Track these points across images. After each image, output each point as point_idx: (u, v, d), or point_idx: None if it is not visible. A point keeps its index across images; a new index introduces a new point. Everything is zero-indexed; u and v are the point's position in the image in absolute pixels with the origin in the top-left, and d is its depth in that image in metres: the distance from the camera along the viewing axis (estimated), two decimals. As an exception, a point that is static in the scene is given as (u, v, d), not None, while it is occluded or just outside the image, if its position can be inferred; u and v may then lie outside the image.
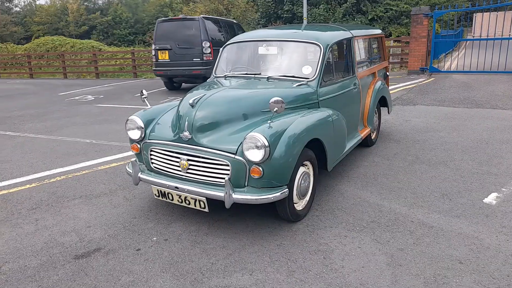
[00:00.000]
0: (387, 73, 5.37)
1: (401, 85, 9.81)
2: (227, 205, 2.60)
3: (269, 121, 2.69)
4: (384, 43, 5.28)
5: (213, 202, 2.82)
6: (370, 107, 4.47)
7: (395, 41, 15.08)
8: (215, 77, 3.84)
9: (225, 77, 3.71)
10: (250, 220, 3.07)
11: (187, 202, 2.82)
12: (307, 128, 2.87)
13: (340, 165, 4.23)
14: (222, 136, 2.77)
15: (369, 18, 21.61)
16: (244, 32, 11.33)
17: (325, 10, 21.43)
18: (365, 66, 4.54)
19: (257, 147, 2.53)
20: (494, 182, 3.67)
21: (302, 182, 2.97)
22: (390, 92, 8.06)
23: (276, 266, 2.48)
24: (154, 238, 2.87)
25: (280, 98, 2.65)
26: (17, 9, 38.34)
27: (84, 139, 5.81)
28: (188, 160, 2.82)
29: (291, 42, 3.66)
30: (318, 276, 2.36)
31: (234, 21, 11.34)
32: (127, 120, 3.17)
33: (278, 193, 2.64)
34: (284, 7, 22.78)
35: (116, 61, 17.85)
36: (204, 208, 2.76)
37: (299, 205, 3.05)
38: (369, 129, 4.47)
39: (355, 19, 21.29)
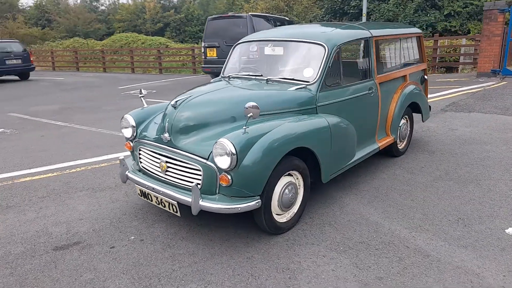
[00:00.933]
0: (425, 77, 4.85)
1: (463, 88, 8.87)
2: (194, 211, 2.52)
3: (244, 127, 2.55)
4: (423, 43, 4.77)
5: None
6: (394, 114, 4.06)
7: (470, 39, 13.70)
8: (222, 77, 3.76)
9: (229, 77, 3.62)
10: (232, 228, 2.95)
11: (162, 204, 2.79)
12: (289, 135, 2.67)
13: (353, 175, 3.92)
14: (200, 139, 2.68)
15: (444, 13, 19.89)
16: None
17: (395, 6, 20.19)
18: (391, 68, 4.14)
19: (226, 154, 2.41)
20: (529, 209, 3.13)
21: (286, 193, 2.77)
22: (449, 96, 7.35)
23: (235, 280, 2.35)
24: (132, 237, 2.88)
25: (255, 103, 2.49)
26: (103, 7, 41.79)
27: (119, 133, 6.11)
28: (167, 162, 2.79)
29: (296, 42, 3.44)
30: (273, 298, 2.19)
31: (286, 18, 11.14)
32: (122, 118, 3.22)
33: (249, 204, 2.49)
34: (351, 2, 21.92)
35: (180, 57, 18.61)
36: (176, 212, 2.71)
37: (283, 217, 2.86)
38: (392, 138, 4.07)
39: (428, 15, 19.77)
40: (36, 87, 12.92)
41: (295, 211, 2.95)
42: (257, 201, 2.52)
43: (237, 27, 9.44)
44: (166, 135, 2.77)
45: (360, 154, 3.57)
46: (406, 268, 2.43)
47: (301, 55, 3.41)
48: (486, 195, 3.44)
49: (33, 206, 3.49)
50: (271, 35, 3.71)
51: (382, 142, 3.94)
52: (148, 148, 2.96)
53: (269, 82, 3.28)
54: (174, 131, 2.74)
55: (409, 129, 4.60)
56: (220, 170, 2.48)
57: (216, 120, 2.76)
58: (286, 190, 2.78)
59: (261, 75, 3.42)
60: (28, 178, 4.18)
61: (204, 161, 2.55)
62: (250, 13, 9.84)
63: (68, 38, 27.38)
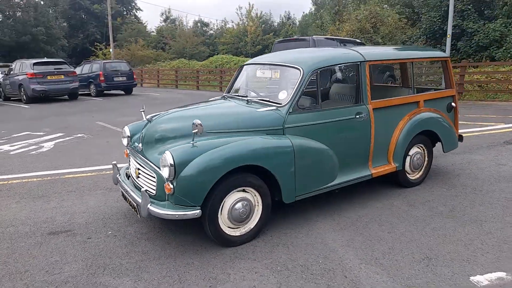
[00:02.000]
0: (453, 104, 4.44)
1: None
2: (142, 214, 2.83)
3: (191, 142, 2.80)
4: (449, 68, 4.41)
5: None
6: (398, 142, 3.85)
7: None
8: (222, 96, 4.05)
9: (223, 97, 3.89)
10: (193, 236, 3.17)
11: (131, 206, 3.17)
12: (237, 153, 2.83)
13: (343, 200, 3.81)
14: (162, 151, 2.99)
15: None
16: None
17: (503, 25, 18.14)
18: (395, 94, 3.95)
19: (167, 165, 2.68)
20: (518, 259, 2.71)
21: (236, 208, 2.91)
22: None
23: (163, 281, 2.57)
24: (109, 232, 3.31)
25: (199, 121, 2.74)
26: (211, 32, 45.69)
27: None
28: (138, 168, 3.17)
29: (279, 66, 3.58)
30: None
31: (357, 40, 10.96)
32: (123, 129, 3.73)
33: (187, 213, 2.72)
34: (452, 22, 20.35)
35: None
36: (138, 214, 3.05)
37: (236, 231, 3.00)
38: (394, 166, 3.85)
39: (544, 35, 17.27)
40: (133, 101, 14.82)
41: (251, 227, 3.05)
42: (196, 211, 2.73)
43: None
44: (140, 145, 3.17)
45: (343, 178, 3.50)
46: (326, 296, 2.37)
47: (282, 78, 3.54)
48: (480, 237, 3.06)
49: (58, 198, 4.19)
50: (266, 59, 3.90)
51: (379, 170, 3.77)
52: (131, 156, 3.39)
53: (249, 103, 3.47)
54: (145, 142, 3.12)
55: (426, 159, 4.27)
56: (166, 179, 2.75)
57: (179, 134, 3.05)
58: (237, 205, 2.92)
59: (246, 96, 3.62)
60: (70, 176, 5.00)
61: (158, 169, 2.86)
62: (314, 36, 9.98)
63: (176, 59, 30.64)
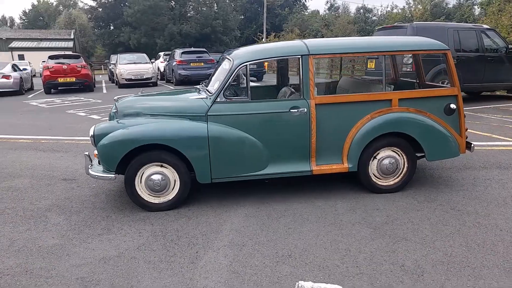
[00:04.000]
0: (452, 106, 3.70)
1: None
2: (86, 172, 3.65)
3: (116, 120, 3.47)
4: (450, 62, 3.67)
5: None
6: (353, 141, 3.61)
7: None
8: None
9: (196, 88, 4.31)
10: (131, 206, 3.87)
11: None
12: (145, 132, 3.37)
13: (287, 192, 3.85)
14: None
15: None
16: (500, 39, 9.08)
17: None
18: (356, 89, 3.64)
19: (90, 135, 3.45)
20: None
21: (155, 179, 3.46)
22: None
23: (109, 238, 3.39)
24: (93, 185, 4.31)
25: (116, 97, 3.41)
26: (374, 18, 43.61)
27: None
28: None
29: (226, 58, 3.82)
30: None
31: (485, 26, 9.17)
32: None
33: (103, 175, 3.44)
34: None
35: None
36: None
37: (155, 199, 3.55)
38: (346, 167, 3.64)
39: None
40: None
41: (169, 199, 3.56)
42: (111, 175, 3.42)
43: (397, 38, 8.82)
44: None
45: (276, 169, 3.59)
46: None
47: (222, 70, 3.81)
48: (365, 250, 2.78)
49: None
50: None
51: (324, 168, 3.65)
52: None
53: (197, 91, 3.87)
54: (110, 117, 3.95)
55: (405, 166, 3.78)
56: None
57: (127, 113, 3.73)
58: (154, 177, 3.47)
59: (204, 86, 4.03)
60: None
61: (97, 139, 3.65)
62: (415, 22, 8.84)
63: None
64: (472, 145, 3.90)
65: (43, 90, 15.07)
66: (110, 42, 43.55)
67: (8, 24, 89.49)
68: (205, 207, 3.64)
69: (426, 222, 3.22)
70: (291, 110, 3.52)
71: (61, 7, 73.18)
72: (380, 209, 3.50)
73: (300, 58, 3.53)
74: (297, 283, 2.46)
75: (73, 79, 13.94)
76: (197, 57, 15.96)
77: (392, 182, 3.83)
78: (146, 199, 3.55)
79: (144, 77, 15.68)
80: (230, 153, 3.49)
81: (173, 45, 35.91)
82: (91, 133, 3.44)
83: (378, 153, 3.74)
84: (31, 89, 16.67)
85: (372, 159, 3.75)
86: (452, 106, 3.73)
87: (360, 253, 2.79)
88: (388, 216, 3.35)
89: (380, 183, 3.81)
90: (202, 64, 15.83)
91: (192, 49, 17.11)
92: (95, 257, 2.81)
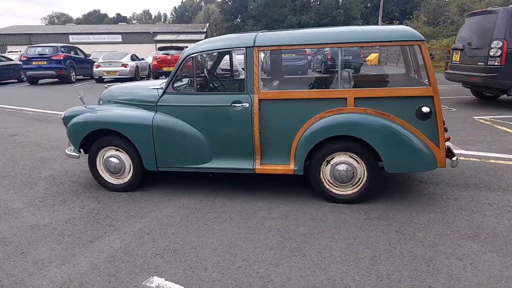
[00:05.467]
0: (425, 109, 2.98)
1: None
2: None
3: (84, 105, 3.87)
4: (425, 55, 2.96)
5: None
6: (299, 142, 3.29)
7: None
8: None
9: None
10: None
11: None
12: (98, 118, 3.69)
13: (233, 190, 3.71)
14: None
15: None
16: None
17: None
18: (305, 85, 3.26)
19: (62, 117, 3.91)
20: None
21: (112, 162, 3.77)
22: None
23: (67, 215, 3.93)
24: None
25: (82, 91, 3.77)
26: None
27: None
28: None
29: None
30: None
31: None
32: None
33: (72, 153, 3.88)
34: None
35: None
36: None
37: (114, 180, 3.87)
38: (291, 168, 3.35)
39: None
40: None
41: (125, 181, 3.83)
42: (76, 154, 3.85)
43: (485, 25, 7.32)
44: (98, 105, 4.47)
45: (219, 164, 3.53)
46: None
47: None
48: (250, 259, 2.57)
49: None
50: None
51: (268, 168, 3.42)
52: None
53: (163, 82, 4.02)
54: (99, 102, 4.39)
55: (365, 174, 3.27)
56: (67, 129, 3.98)
57: (104, 100, 4.10)
58: (111, 159, 3.78)
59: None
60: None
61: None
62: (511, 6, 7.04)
63: (454, 36, 27.09)
64: (455, 158, 3.14)
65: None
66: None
67: (162, 20, 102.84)
68: (156, 193, 3.80)
69: (349, 241, 2.77)
70: (233, 105, 3.38)
71: (203, 3, 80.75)
72: (315, 219, 3.13)
73: (245, 50, 3.34)
74: (151, 277, 2.45)
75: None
76: (290, 48, 15.89)
77: (349, 192, 3.36)
78: (106, 179, 3.88)
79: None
80: (173, 143, 3.56)
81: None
82: (62, 116, 3.92)
83: (332, 158, 3.32)
84: (148, 76, 19.08)
85: (325, 163, 3.35)
86: (425, 109, 3.05)
87: (243, 261, 2.60)
88: (314, 228, 2.98)
89: (335, 191, 3.38)
90: (293, 55, 15.71)
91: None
92: (29, 224, 3.24)
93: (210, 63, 4.18)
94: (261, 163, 3.46)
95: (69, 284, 2.40)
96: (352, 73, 4.24)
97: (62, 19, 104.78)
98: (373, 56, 24.47)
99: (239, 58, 4.79)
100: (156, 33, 47.85)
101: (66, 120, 3.88)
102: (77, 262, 2.64)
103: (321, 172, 3.37)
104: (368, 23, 44.72)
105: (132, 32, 48.42)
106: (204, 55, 3.84)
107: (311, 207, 3.36)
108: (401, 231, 2.89)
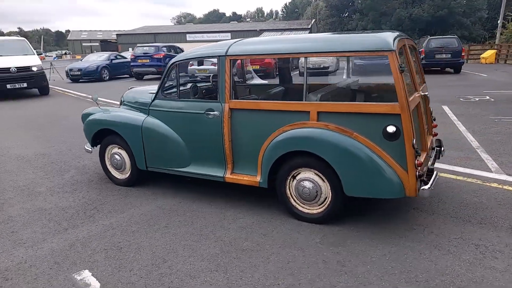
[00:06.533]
0: (390, 128, 2.56)
1: None
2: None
3: (100, 106, 4.32)
4: (393, 68, 2.54)
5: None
6: (264, 155, 3.18)
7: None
8: None
9: None
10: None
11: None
12: (101, 118, 4.11)
13: (204, 196, 3.75)
14: (118, 111, 4.65)
15: None
16: None
17: None
18: (280, 96, 3.09)
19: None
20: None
21: (115, 158, 4.17)
22: None
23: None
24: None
25: (96, 95, 4.23)
26: None
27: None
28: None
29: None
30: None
31: None
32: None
33: (89, 149, 4.38)
34: None
35: None
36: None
37: (118, 174, 4.26)
38: (256, 180, 3.27)
39: None
40: (464, 80, 13.44)
41: (126, 176, 4.20)
42: (90, 149, 4.34)
43: None
44: (125, 106, 4.92)
45: (196, 169, 3.64)
46: None
47: None
48: (164, 266, 2.62)
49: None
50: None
51: (237, 177, 3.39)
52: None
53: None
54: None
55: (326, 192, 3.01)
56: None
57: (121, 101, 4.50)
58: (115, 156, 4.18)
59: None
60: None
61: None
62: None
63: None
64: (427, 187, 2.68)
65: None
66: (341, 29, 45.19)
67: (273, 17, 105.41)
68: (148, 191, 4.07)
69: (280, 265, 2.61)
70: (207, 113, 3.43)
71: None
72: (266, 236, 3.02)
73: (218, 59, 3.35)
74: (83, 270, 2.69)
75: (257, 67, 15.82)
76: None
77: (315, 211, 3.14)
78: (112, 173, 4.30)
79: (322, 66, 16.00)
80: (158, 145, 3.77)
81: (400, 31, 34.10)
82: (81, 115, 4.44)
83: (298, 173, 3.14)
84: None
85: (291, 178, 3.19)
86: (390, 129, 2.67)
87: (168, 268, 2.67)
88: (258, 245, 2.88)
89: (301, 209, 3.19)
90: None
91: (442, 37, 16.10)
92: (36, 207, 3.80)
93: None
94: (232, 172, 3.45)
95: (22, 265, 2.78)
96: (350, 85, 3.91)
97: (187, 18, 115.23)
98: (489, 54, 21.36)
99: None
100: (262, 31, 49.35)
101: (83, 119, 4.40)
102: (42, 246, 3.03)
103: (287, 187, 3.22)
104: (495, 16, 39.09)
105: (241, 30, 50.81)
106: (185, 63, 3.93)
107: (273, 223, 3.23)
108: (342, 262, 2.61)
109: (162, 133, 3.74)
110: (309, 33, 47.05)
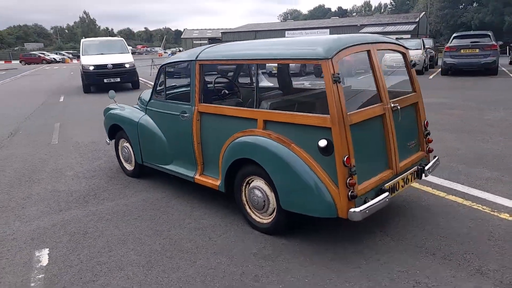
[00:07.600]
0: (321, 142, 2.32)
1: None
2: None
3: (116, 103, 4.77)
4: (326, 78, 2.28)
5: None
6: (222, 160, 3.19)
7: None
8: None
9: None
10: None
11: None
12: (113, 115, 4.53)
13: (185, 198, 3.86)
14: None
15: None
16: None
17: None
18: (238, 101, 3.07)
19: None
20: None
21: (123, 151, 4.60)
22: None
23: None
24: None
25: (112, 91, 4.68)
26: None
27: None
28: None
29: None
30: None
31: None
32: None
33: (108, 141, 4.88)
34: None
35: None
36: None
37: (128, 166, 4.67)
38: (216, 184, 3.30)
39: None
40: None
41: (132, 168, 4.57)
42: (108, 142, 4.83)
43: None
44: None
45: (174, 168, 3.81)
46: None
47: None
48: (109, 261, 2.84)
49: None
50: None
51: (203, 179, 3.47)
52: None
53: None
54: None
55: (274, 203, 2.90)
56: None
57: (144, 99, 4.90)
58: (124, 148, 4.59)
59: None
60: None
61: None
62: None
63: None
64: (360, 210, 2.40)
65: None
66: (454, 22, 40.83)
67: (382, 11, 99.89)
68: (146, 183, 4.37)
69: (191, 271, 2.62)
70: (182, 114, 3.57)
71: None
72: (211, 239, 3.05)
73: (189, 64, 3.45)
74: (44, 249, 3.07)
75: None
76: (471, 42, 13.14)
77: (265, 221, 3.05)
78: (124, 165, 4.73)
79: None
80: (148, 142, 4.05)
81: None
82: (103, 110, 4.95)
83: (252, 180, 3.08)
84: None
85: (246, 185, 3.14)
86: (322, 143, 2.45)
87: (107, 258, 2.88)
88: (196, 248, 2.92)
89: (254, 217, 3.13)
90: (477, 50, 12.94)
91: (472, 32, 14.10)
92: (54, 189, 4.39)
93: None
94: (201, 174, 3.53)
95: (8, 237, 3.29)
96: None
97: (293, 15, 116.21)
98: None
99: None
100: (363, 26, 47.23)
101: (104, 113, 4.90)
102: (32, 223, 3.53)
103: (243, 194, 3.18)
104: None
105: (340, 25, 49.41)
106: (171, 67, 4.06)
107: (228, 227, 3.23)
108: (258, 277, 2.51)
109: (151, 131, 3.99)
110: (415, 27, 43.59)
